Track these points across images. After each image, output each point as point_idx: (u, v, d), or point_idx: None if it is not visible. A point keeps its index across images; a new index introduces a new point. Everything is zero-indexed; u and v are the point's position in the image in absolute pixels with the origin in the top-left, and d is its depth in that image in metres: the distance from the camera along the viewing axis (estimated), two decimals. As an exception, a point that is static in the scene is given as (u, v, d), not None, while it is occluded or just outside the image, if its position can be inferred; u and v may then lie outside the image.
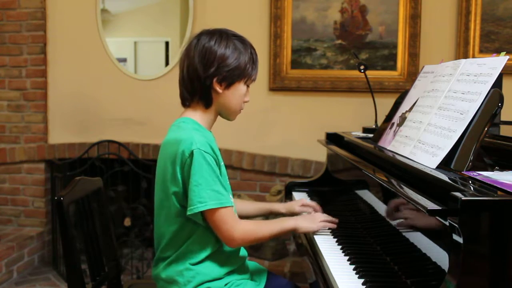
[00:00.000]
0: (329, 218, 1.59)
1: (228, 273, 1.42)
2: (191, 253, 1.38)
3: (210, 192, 1.30)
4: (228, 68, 1.38)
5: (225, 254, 1.42)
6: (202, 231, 1.37)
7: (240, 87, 1.42)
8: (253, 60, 1.44)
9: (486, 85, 1.23)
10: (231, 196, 1.46)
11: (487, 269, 0.93)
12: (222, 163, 1.43)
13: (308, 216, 1.60)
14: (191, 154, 1.30)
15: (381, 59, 2.87)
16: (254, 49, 1.46)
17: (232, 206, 1.35)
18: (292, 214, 1.71)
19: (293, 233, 1.92)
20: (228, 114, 1.47)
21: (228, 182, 1.47)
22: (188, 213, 1.31)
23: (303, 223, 1.50)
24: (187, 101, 1.45)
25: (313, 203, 1.75)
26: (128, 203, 3.18)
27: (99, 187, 1.64)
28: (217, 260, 1.40)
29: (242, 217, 1.74)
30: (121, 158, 3.05)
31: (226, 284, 1.40)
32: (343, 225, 1.66)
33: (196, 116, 1.43)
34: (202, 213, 1.32)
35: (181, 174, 1.33)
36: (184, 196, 1.34)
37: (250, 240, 1.38)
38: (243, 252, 1.50)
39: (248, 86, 1.46)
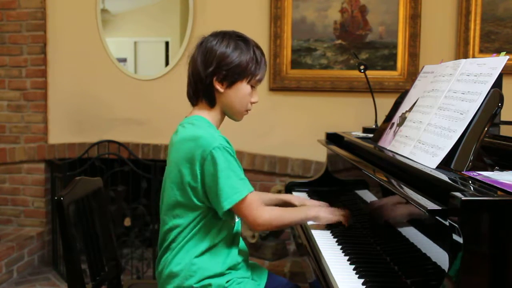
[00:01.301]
0: (347, 214, 1.62)
1: (230, 269, 1.42)
2: (193, 246, 1.39)
3: (240, 181, 1.35)
4: (227, 67, 1.39)
5: (226, 248, 1.42)
6: (205, 222, 1.39)
7: (242, 87, 1.42)
8: (257, 59, 1.43)
9: (486, 85, 1.23)
10: None
11: (487, 269, 0.93)
12: None
13: (329, 208, 1.65)
14: (214, 150, 1.32)
15: (381, 59, 2.87)
16: (259, 49, 1.45)
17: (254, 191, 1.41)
18: None
19: (293, 233, 1.92)
20: (232, 113, 1.47)
21: None
22: (227, 206, 1.33)
23: (324, 213, 1.56)
24: (193, 100, 1.47)
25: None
26: (128, 203, 3.18)
27: (99, 187, 1.64)
28: (218, 254, 1.40)
29: None
30: (121, 158, 3.05)
31: (227, 281, 1.40)
32: (343, 225, 1.66)
33: (204, 115, 1.45)
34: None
35: (200, 170, 1.34)
36: (202, 191, 1.36)
37: (276, 224, 1.45)
38: (243, 246, 1.51)
39: (253, 86, 1.45)
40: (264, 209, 1.40)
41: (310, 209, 1.56)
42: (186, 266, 1.38)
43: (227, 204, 1.33)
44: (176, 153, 1.41)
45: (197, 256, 1.39)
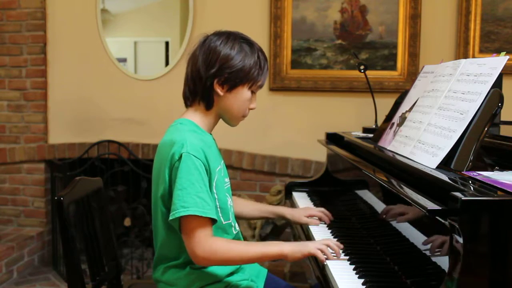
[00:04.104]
0: (333, 243, 1.37)
1: (229, 275, 1.40)
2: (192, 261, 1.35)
3: (196, 198, 1.23)
4: (230, 70, 1.33)
5: None
6: None
7: (243, 92, 1.37)
8: (260, 65, 1.38)
9: (486, 85, 1.23)
10: (229, 199, 1.44)
11: (487, 269, 0.93)
12: (218, 168, 1.38)
13: (302, 242, 1.39)
14: (180, 157, 1.25)
15: (381, 59, 2.87)
16: (263, 54, 1.40)
17: (213, 220, 1.27)
18: (297, 222, 1.70)
19: (293, 233, 1.92)
20: (229, 118, 1.42)
21: (226, 187, 1.44)
22: (170, 218, 1.24)
23: (293, 249, 1.31)
24: (188, 101, 1.42)
25: (320, 213, 1.68)
26: (128, 203, 3.18)
27: (99, 187, 1.64)
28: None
29: (242, 217, 1.73)
30: (121, 158, 3.05)
31: (225, 287, 1.38)
32: (343, 225, 1.66)
33: (196, 117, 1.40)
34: (180, 219, 1.25)
35: (168, 177, 1.29)
36: (169, 200, 1.29)
37: (220, 258, 1.27)
38: None
39: (253, 92, 1.40)
40: (209, 241, 1.24)
41: (272, 245, 1.31)
42: (185, 277, 1.35)
43: (171, 216, 1.24)
44: (157, 158, 1.37)
45: (197, 269, 1.35)
